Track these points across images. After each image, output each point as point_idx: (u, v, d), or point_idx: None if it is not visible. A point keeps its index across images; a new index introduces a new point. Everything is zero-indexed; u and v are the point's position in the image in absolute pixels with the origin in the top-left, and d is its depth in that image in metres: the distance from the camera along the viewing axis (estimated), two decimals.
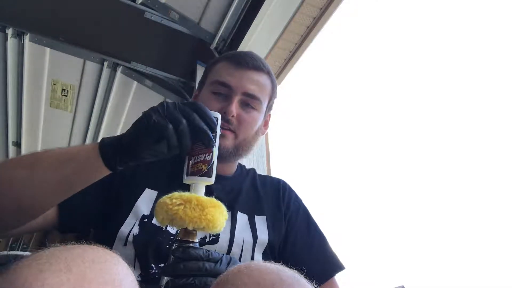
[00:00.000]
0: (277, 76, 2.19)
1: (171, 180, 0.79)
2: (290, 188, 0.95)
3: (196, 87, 1.01)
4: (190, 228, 0.56)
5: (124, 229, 0.73)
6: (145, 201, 0.77)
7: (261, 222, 0.83)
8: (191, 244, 0.57)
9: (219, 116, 0.66)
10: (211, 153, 0.63)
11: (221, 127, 0.80)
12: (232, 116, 0.82)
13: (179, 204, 0.56)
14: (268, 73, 0.91)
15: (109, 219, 0.75)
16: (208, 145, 0.62)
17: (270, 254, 0.80)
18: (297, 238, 0.86)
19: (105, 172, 0.61)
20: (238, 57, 0.88)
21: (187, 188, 0.62)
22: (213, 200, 0.58)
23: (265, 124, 0.96)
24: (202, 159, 0.63)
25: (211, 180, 0.62)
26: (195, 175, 0.62)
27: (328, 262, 0.85)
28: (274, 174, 1.85)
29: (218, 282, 0.45)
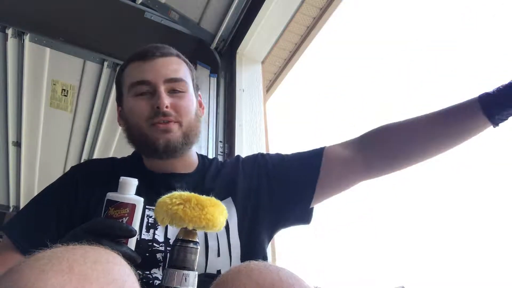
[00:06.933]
0: (277, 76, 2.18)
1: None
2: (266, 154, 0.95)
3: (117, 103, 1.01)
4: (190, 227, 0.56)
5: None
6: None
7: (228, 204, 0.81)
8: (191, 244, 0.57)
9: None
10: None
11: (163, 122, 0.81)
12: (166, 107, 0.80)
13: (178, 204, 0.56)
14: (177, 55, 0.90)
15: None
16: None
17: (247, 229, 0.81)
18: (281, 176, 0.88)
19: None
20: (143, 52, 0.86)
21: None
22: (212, 199, 0.58)
23: (200, 104, 0.94)
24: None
25: None
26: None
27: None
28: None
29: (217, 282, 0.45)
